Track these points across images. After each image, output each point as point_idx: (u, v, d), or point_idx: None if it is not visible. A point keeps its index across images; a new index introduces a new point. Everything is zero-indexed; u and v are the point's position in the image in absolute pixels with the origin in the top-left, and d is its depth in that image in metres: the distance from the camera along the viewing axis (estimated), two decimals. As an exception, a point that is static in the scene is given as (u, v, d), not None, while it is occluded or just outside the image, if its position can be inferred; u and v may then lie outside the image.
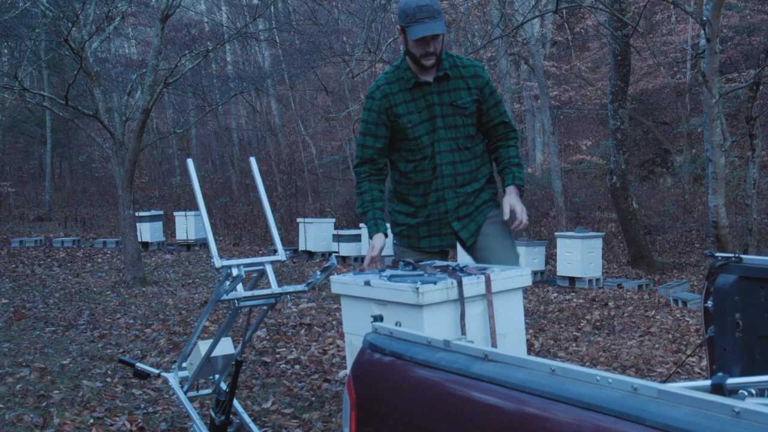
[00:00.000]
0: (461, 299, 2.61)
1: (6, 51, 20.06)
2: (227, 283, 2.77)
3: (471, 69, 3.31)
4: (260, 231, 16.26)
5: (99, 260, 12.48)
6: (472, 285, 2.65)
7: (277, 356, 5.44)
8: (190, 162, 3.21)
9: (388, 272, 2.83)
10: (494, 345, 2.65)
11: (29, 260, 12.38)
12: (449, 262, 2.94)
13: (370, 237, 3.31)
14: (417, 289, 2.51)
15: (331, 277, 2.91)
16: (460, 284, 2.61)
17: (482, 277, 2.68)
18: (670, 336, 6.25)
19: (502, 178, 3.40)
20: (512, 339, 2.76)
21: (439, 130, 3.30)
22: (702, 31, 7.15)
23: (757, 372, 2.48)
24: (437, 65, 3.26)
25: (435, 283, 2.57)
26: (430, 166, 3.34)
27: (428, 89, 3.28)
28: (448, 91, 3.30)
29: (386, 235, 3.30)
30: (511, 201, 3.25)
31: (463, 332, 2.60)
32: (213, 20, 23.76)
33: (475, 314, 2.67)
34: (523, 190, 3.38)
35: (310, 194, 21.15)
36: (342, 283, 2.82)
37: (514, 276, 2.81)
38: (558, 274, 10.02)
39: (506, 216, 3.22)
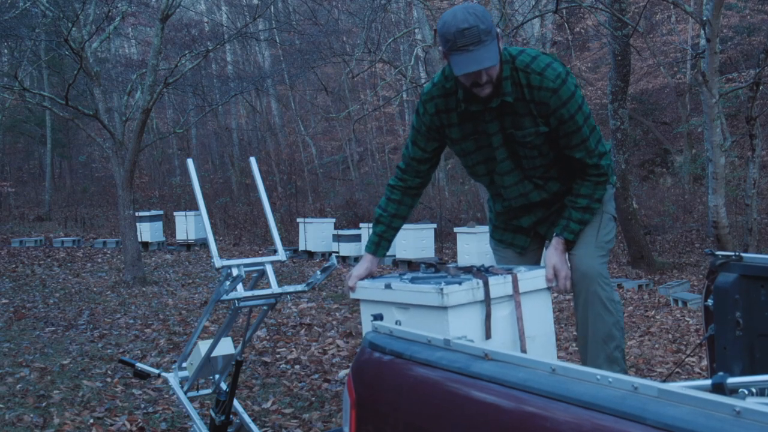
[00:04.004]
0: (487, 300, 2.47)
1: (6, 51, 20.05)
2: (227, 283, 2.77)
3: (539, 92, 2.60)
4: (260, 231, 16.25)
5: (99, 260, 12.48)
6: (499, 285, 2.51)
7: (277, 356, 5.44)
8: (190, 162, 3.21)
9: (409, 275, 2.67)
10: (523, 349, 2.52)
11: (29, 260, 12.37)
12: (473, 264, 2.77)
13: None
14: (441, 290, 2.37)
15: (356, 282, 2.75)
16: (486, 285, 2.47)
17: (509, 277, 2.55)
18: (670, 336, 6.24)
19: (556, 223, 2.87)
20: (542, 342, 2.63)
21: (500, 163, 2.80)
22: (702, 31, 7.15)
23: (758, 371, 2.48)
24: (496, 90, 2.61)
25: (460, 283, 2.44)
26: (495, 191, 2.95)
27: (482, 117, 2.70)
28: (510, 115, 2.67)
29: (380, 259, 2.90)
30: (554, 261, 2.75)
31: (488, 335, 2.47)
32: (213, 20, 23.75)
33: (502, 316, 2.54)
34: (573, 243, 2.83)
35: (310, 194, 21.14)
36: (361, 287, 2.66)
37: (541, 276, 2.68)
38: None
39: (548, 279, 2.70)
